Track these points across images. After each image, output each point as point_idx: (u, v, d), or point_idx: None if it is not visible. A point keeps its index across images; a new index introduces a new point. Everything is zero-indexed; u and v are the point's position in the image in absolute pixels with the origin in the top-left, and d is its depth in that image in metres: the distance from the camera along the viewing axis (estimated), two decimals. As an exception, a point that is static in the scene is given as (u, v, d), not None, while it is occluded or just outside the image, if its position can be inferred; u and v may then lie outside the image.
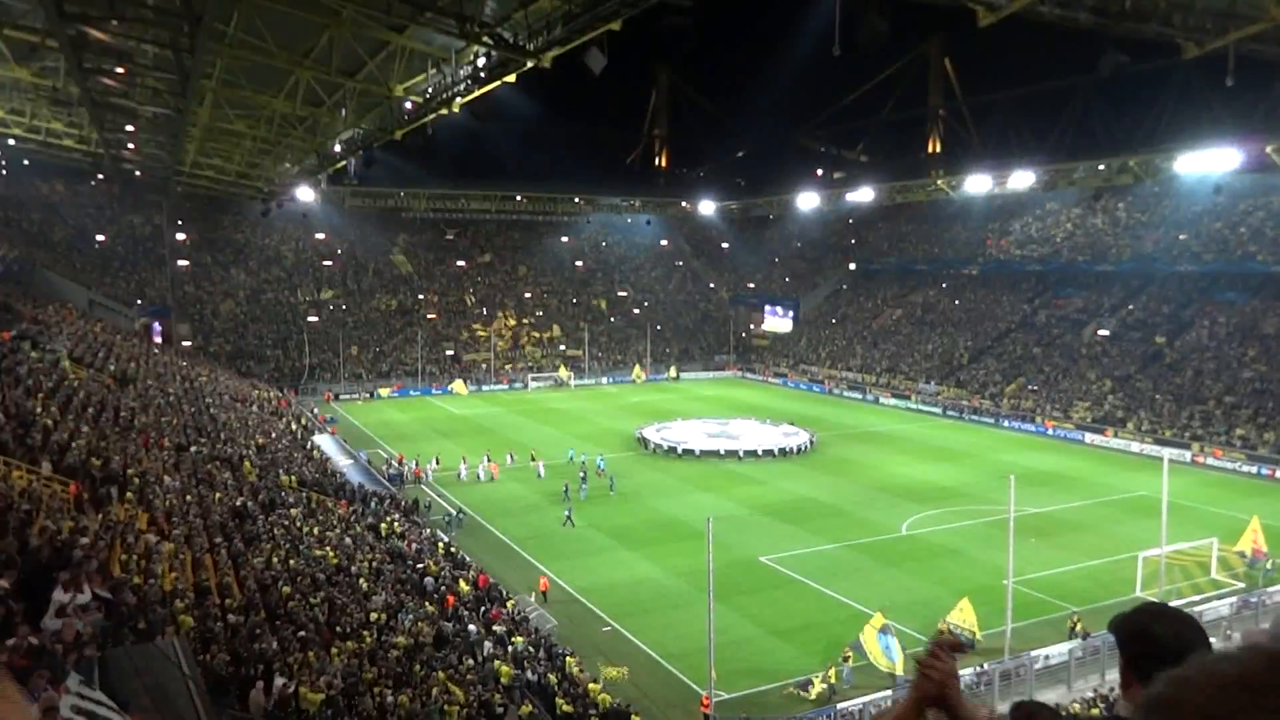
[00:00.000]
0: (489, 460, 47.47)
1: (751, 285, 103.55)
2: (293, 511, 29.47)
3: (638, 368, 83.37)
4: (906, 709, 2.30)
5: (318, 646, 18.21)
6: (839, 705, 22.50)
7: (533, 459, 48.53)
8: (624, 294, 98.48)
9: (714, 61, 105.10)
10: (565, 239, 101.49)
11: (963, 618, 25.85)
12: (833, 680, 23.50)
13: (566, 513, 39.05)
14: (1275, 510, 40.07)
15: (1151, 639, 2.21)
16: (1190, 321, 63.77)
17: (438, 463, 47.87)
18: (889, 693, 22.68)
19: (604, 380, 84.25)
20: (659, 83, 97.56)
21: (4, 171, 73.63)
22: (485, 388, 79.16)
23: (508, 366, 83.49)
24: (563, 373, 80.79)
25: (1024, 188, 71.19)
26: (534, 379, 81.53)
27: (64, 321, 50.46)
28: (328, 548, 26.36)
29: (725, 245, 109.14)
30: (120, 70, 26.27)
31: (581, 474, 44.68)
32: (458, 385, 74.16)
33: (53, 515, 17.87)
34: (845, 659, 24.13)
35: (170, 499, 24.88)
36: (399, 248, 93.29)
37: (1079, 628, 26.23)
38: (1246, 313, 61.27)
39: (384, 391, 73.55)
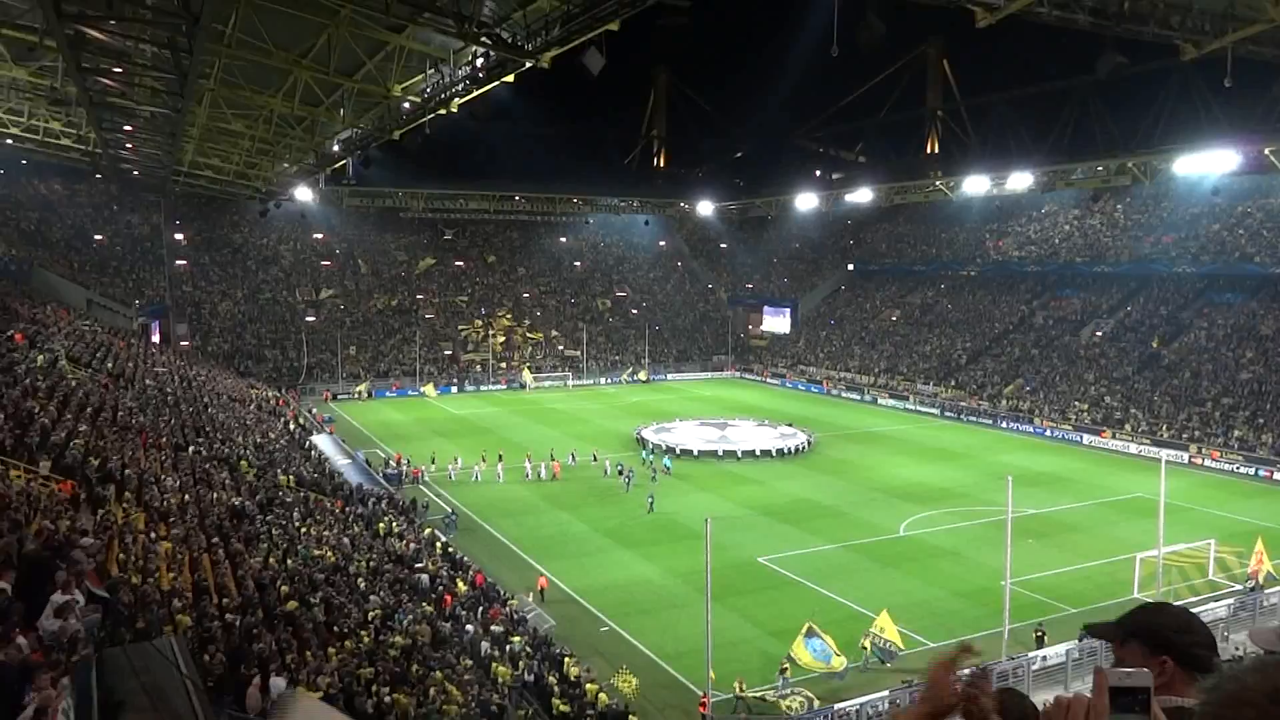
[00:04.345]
0: (553, 459, 48.04)
1: (750, 286, 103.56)
2: (285, 502, 29.43)
3: (627, 372, 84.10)
4: None
5: (315, 646, 18.20)
6: (836, 706, 22.49)
7: (595, 458, 49.54)
8: (622, 294, 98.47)
9: (712, 62, 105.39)
10: (563, 239, 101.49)
11: (882, 627, 25.26)
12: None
13: (649, 498, 41.05)
14: (1272, 513, 40.18)
15: (1190, 629, 2.28)
16: (1188, 323, 63.86)
17: (502, 459, 47.86)
18: (885, 693, 22.68)
19: (602, 380, 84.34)
20: (657, 83, 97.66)
21: (1, 171, 73.50)
22: (484, 388, 79.28)
23: (503, 365, 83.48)
24: (526, 375, 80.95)
25: (1022, 189, 71.29)
26: (534, 379, 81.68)
27: (61, 321, 50.42)
28: (325, 547, 26.35)
29: (723, 246, 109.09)
30: (118, 70, 26.21)
31: (619, 468, 46.11)
32: (428, 389, 74.48)
33: (50, 515, 17.84)
34: (783, 670, 23.99)
35: (168, 499, 24.86)
36: (401, 246, 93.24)
37: (1044, 638, 26.24)
38: (1244, 314, 61.37)
39: (360, 388, 73.27)
